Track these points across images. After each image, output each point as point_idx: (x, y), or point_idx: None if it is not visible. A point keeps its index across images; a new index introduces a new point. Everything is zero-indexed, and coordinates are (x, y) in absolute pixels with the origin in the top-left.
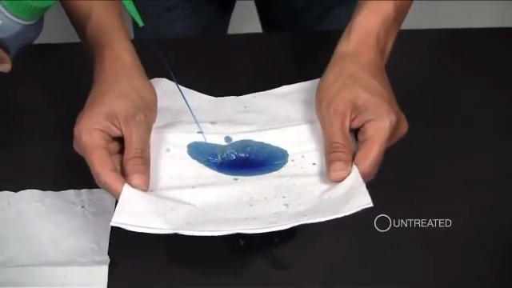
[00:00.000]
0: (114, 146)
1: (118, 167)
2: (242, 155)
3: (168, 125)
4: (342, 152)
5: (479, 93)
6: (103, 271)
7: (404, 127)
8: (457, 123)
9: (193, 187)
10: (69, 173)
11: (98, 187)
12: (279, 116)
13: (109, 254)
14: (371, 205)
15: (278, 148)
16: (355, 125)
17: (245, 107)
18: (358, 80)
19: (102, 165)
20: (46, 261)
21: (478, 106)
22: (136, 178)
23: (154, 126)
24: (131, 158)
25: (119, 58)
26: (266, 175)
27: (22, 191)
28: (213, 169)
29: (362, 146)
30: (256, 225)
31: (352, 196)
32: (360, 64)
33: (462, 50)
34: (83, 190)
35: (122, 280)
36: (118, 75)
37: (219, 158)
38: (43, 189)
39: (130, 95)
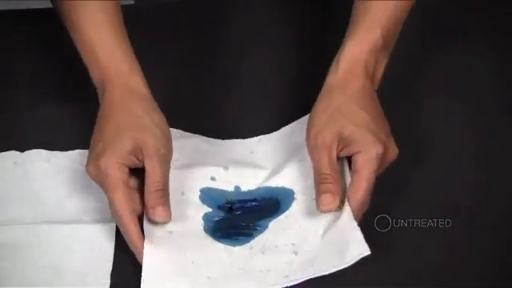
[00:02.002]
0: (133, 180)
1: (138, 205)
2: (253, 203)
3: (183, 166)
4: (330, 183)
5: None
6: (111, 228)
7: (392, 154)
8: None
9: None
10: (74, 133)
11: None
12: (283, 159)
13: None
14: (369, 252)
15: (283, 189)
16: (343, 154)
17: (251, 152)
18: (344, 112)
19: (123, 206)
20: (50, 219)
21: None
22: (159, 211)
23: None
24: (154, 191)
25: (134, 89)
26: (274, 220)
27: (28, 151)
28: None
29: (353, 178)
30: (272, 279)
31: (351, 243)
32: (348, 95)
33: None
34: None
35: None
36: (135, 108)
37: (229, 204)
38: (50, 149)
39: (152, 129)
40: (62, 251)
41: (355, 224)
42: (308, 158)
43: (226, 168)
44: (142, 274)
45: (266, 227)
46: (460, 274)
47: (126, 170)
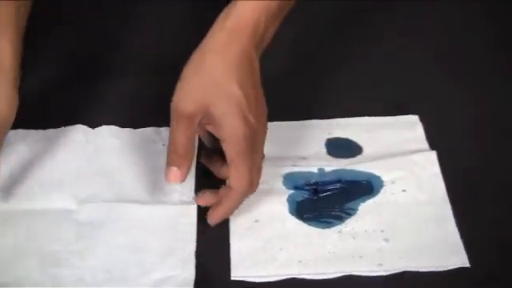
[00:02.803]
0: None
1: None
2: (338, 185)
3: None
4: (180, 156)
5: None
6: (192, 210)
7: (262, 132)
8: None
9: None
10: (145, 110)
11: None
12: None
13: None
14: (468, 265)
15: (372, 174)
16: (209, 129)
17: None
18: (217, 83)
19: None
20: (129, 198)
21: None
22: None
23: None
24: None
25: None
26: (363, 204)
27: (99, 128)
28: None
29: (229, 168)
30: (365, 267)
31: (452, 249)
32: (225, 61)
33: None
34: (163, 128)
35: None
36: None
37: (314, 185)
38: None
39: None
40: (141, 231)
41: (457, 232)
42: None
43: (304, 158)
44: (232, 261)
45: (356, 211)
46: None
47: None
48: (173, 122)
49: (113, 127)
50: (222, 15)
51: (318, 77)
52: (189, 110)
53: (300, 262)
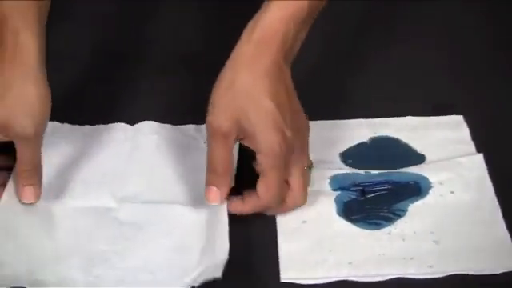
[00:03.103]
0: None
1: None
2: (385, 186)
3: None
4: (218, 175)
5: None
6: (223, 209)
7: (298, 146)
8: None
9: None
10: (185, 107)
11: None
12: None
13: None
14: None
15: (419, 175)
16: (245, 143)
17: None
18: (248, 97)
19: None
20: (170, 199)
21: None
22: (27, 190)
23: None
24: (24, 170)
25: (22, 53)
26: (412, 205)
27: (138, 124)
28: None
29: (260, 176)
30: (416, 269)
31: (504, 254)
32: (255, 73)
33: None
34: (203, 126)
35: None
36: (12, 75)
37: (361, 186)
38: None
39: (24, 105)
40: (182, 232)
41: (508, 235)
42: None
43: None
44: (280, 263)
45: (405, 212)
46: None
47: None
48: (210, 140)
49: (153, 123)
50: (249, 26)
51: (346, 76)
52: (224, 127)
53: (350, 263)
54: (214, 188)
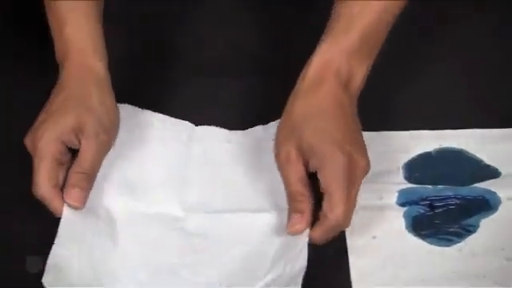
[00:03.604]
0: (67, 158)
1: (61, 181)
2: (454, 200)
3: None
4: (299, 201)
5: None
6: None
7: (362, 165)
8: None
9: None
10: (250, 107)
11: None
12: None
13: None
14: None
15: (489, 191)
16: (311, 169)
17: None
18: (305, 123)
19: (45, 178)
20: (240, 207)
21: None
22: (75, 192)
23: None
24: (78, 172)
25: (92, 68)
26: (482, 221)
27: (204, 127)
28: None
29: (325, 197)
30: (486, 286)
31: None
32: (311, 103)
33: None
34: (271, 123)
35: None
36: (89, 87)
37: (429, 200)
38: (225, 124)
39: (98, 112)
40: (254, 240)
41: None
42: None
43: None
44: (352, 279)
45: (475, 227)
46: None
47: (60, 146)
48: (282, 171)
49: (221, 130)
50: (305, 66)
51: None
52: (291, 155)
53: (422, 280)
54: (297, 215)
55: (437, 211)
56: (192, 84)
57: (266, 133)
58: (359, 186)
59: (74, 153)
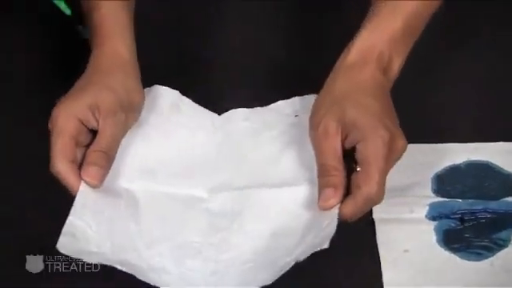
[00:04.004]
0: (86, 138)
1: (79, 159)
2: (484, 214)
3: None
4: (332, 176)
5: None
6: None
7: (401, 144)
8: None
9: None
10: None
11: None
12: None
13: None
14: None
15: None
16: (348, 145)
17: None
18: (348, 98)
19: (61, 153)
20: (263, 182)
21: None
22: (92, 170)
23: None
24: (96, 151)
25: (118, 52)
26: None
27: (226, 113)
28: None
29: (361, 169)
30: None
31: None
32: (354, 82)
33: None
34: (296, 98)
35: None
36: (111, 68)
37: (459, 214)
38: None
39: (118, 91)
40: (279, 215)
41: None
42: None
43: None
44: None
45: (507, 242)
46: None
47: (76, 123)
48: (316, 145)
49: (242, 110)
50: (346, 48)
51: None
52: (330, 127)
53: None
54: (330, 188)
55: (467, 225)
56: (230, 96)
57: (289, 107)
58: (393, 165)
59: (95, 135)
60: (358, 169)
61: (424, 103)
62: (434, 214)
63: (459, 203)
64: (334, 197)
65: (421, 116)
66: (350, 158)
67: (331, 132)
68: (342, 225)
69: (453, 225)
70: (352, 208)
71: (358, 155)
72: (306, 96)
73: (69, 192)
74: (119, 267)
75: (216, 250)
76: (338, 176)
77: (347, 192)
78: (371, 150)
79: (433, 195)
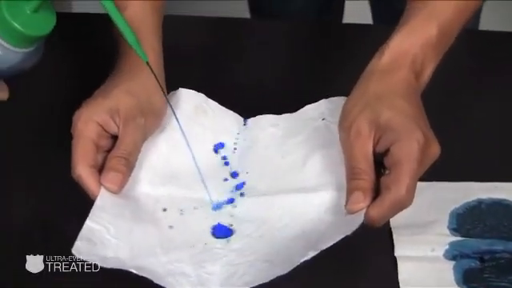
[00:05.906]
0: (107, 143)
1: (100, 164)
2: (505, 254)
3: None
4: (362, 179)
5: None
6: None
7: (435, 149)
8: None
9: None
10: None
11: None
12: None
13: None
14: None
15: None
16: (380, 148)
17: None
18: (382, 99)
19: (82, 157)
20: (289, 188)
21: None
22: (111, 176)
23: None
24: (115, 157)
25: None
26: None
27: (252, 118)
28: None
29: (391, 171)
30: None
31: None
32: (387, 84)
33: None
34: (322, 101)
35: None
36: (134, 72)
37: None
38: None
39: (139, 95)
40: (303, 221)
41: None
42: None
43: None
44: None
45: None
46: None
47: (96, 127)
48: (347, 147)
49: (270, 115)
50: (379, 50)
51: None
52: (362, 129)
53: None
54: (359, 192)
55: (487, 265)
56: None
57: (316, 111)
58: (424, 170)
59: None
60: (387, 172)
61: (447, 141)
62: (455, 254)
63: (479, 242)
64: (363, 201)
65: (443, 154)
66: (378, 163)
67: (364, 134)
68: (365, 261)
69: (473, 265)
70: (379, 210)
71: (390, 157)
72: (333, 98)
73: (88, 197)
74: (135, 271)
75: (238, 255)
76: (368, 180)
77: (375, 197)
78: (405, 151)
79: (453, 234)
